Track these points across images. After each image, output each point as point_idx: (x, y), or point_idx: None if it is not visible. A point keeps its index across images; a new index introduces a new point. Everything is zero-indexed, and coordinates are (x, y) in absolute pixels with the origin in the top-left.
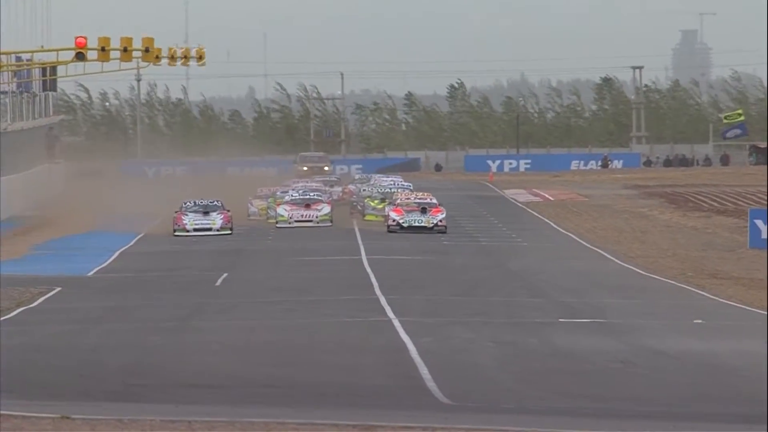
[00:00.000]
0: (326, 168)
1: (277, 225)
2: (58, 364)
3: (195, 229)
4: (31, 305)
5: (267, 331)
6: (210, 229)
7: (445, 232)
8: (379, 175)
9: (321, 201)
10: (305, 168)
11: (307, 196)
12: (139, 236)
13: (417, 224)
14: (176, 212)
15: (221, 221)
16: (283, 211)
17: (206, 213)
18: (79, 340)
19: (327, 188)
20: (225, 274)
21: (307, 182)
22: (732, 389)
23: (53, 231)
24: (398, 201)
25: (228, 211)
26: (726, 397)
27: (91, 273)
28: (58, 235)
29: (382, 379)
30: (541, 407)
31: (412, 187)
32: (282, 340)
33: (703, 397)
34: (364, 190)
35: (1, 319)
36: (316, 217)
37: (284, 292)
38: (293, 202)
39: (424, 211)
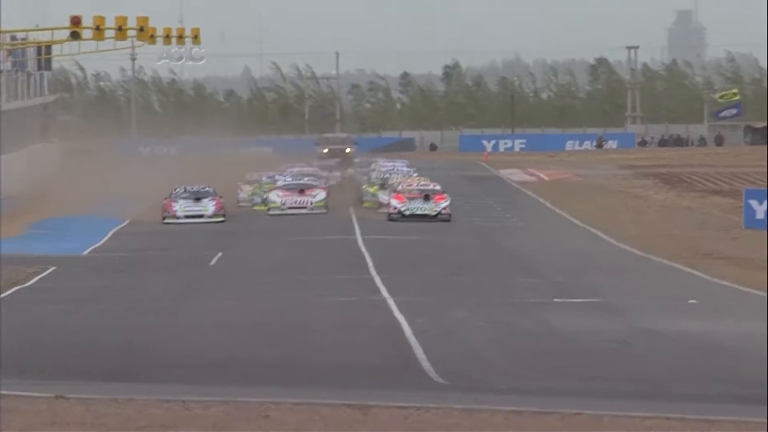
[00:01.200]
0: (348, 150)
1: (269, 212)
2: (52, 343)
3: (186, 216)
4: (25, 284)
5: (261, 311)
6: (201, 216)
7: (449, 221)
8: (383, 160)
9: (316, 186)
10: (326, 150)
11: (301, 181)
12: (128, 221)
13: (419, 212)
14: (166, 199)
15: (213, 208)
16: (275, 196)
17: (197, 199)
18: (73, 320)
19: (325, 173)
20: (220, 254)
21: (302, 167)
22: (727, 369)
23: (48, 210)
24: (399, 188)
25: (220, 197)
26: (721, 378)
27: (86, 252)
28: (52, 214)
29: (377, 359)
30: (535, 387)
31: (414, 172)
32: (276, 320)
33: (698, 378)
34: (366, 175)
35: None
36: (311, 203)
37: (279, 272)
38: (286, 188)
39: (427, 198)
